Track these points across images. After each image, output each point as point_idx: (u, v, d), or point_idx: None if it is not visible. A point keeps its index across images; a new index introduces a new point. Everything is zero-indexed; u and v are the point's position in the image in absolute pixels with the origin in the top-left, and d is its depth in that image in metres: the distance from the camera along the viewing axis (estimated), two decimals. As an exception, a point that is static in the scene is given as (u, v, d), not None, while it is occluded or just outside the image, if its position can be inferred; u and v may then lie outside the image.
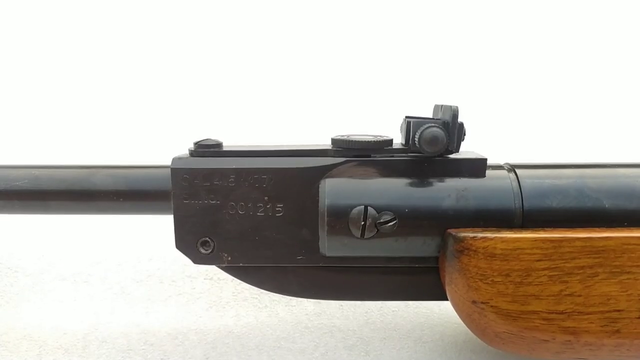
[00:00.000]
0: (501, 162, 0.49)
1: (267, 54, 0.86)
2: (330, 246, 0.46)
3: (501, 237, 0.43)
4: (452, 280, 0.44)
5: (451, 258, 0.44)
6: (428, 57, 0.86)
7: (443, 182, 0.46)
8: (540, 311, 0.42)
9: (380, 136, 0.48)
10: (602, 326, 0.42)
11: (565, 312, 0.42)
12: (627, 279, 0.42)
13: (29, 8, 0.84)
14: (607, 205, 0.44)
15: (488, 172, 0.47)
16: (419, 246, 0.46)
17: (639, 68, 0.87)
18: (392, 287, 0.50)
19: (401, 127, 0.50)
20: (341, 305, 0.64)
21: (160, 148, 0.56)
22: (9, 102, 0.85)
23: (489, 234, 0.43)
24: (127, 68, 0.85)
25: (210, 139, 0.48)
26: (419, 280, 0.49)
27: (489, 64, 0.86)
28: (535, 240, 0.42)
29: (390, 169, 0.47)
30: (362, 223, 0.44)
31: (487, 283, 0.43)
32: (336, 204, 0.45)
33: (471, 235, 0.43)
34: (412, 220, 0.45)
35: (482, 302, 0.43)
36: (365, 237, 0.45)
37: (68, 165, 0.51)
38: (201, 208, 0.47)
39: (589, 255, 0.42)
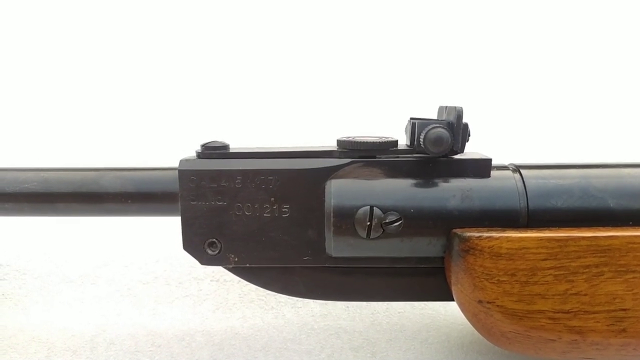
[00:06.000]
0: (506, 163, 0.49)
1: (272, 57, 0.86)
2: (336, 247, 0.46)
3: (507, 237, 0.43)
4: (458, 280, 0.45)
5: (457, 258, 0.44)
6: (432, 58, 0.86)
7: (448, 182, 0.46)
8: (546, 310, 0.42)
9: (385, 137, 0.48)
10: (608, 325, 0.42)
11: (571, 312, 0.42)
12: (633, 277, 0.42)
13: (37, 12, 0.85)
14: (612, 205, 0.44)
15: (493, 173, 0.47)
16: (425, 246, 0.46)
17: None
18: (398, 287, 0.50)
19: (406, 128, 0.51)
20: (347, 307, 0.64)
21: (167, 150, 0.56)
22: (17, 105, 0.85)
23: (494, 234, 0.43)
24: (134, 71, 0.85)
25: (217, 141, 0.49)
26: (424, 281, 0.50)
27: (493, 65, 0.86)
28: (541, 239, 0.42)
29: (395, 170, 0.47)
30: (368, 223, 0.44)
31: (493, 282, 0.43)
32: (342, 205, 0.45)
33: (476, 235, 0.43)
34: (417, 221, 0.45)
35: (488, 302, 0.43)
36: (371, 237, 0.45)
37: (76, 167, 0.51)
38: (208, 209, 0.47)
39: (594, 255, 0.42)
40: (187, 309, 0.64)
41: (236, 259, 0.48)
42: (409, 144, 0.49)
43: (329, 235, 0.46)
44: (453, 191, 0.45)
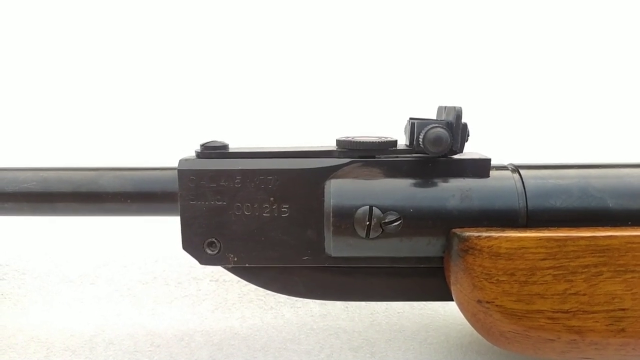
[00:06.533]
0: (505, 163, 0.49)
1: (271, 57, 0.86)
2: (335, 246, 0.46)
3: (506, 237, 0.43)
4: (457, 279, 0.45)
5: (456, 258, 0.44)
6: (432, 58, 0.86)
7: (447, 182, 0.46)
8: (545, 310, 0.43)
9: (384, 137, 0.48)
10: (607, 325, 0.42)
11: (570, 311, 0.42)
12: (632, 277, 0.42)
13: (37, 12, 0.85)
14: (610, 205, 0.44)
15: (492, 173, 0.47)
16: (424, 246, 0.46)
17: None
18: (397, 287, 0.50)
19: (405, 128, 0.51)
20: (346, 307, 0.64)
21: (166, 150, 0.56)
22: (17, 105, 0.85)
23: (493, 233, 0.43)
24: (133, 71, 0.85)
25: (216, 141, 0.49)
26: (424, 281, 0.50)
27: (492, 65, 0.86)
28: (540, 239, 0.42)
29: (394, 170, 0.47)
30: (367, 223, 0.44)
31: (492, 282, 0.43)
32: (341, 205, 0.45)
33: (476, 234, 0.43)
34: (416, 220, 0.45)
35: (487, 302, 0.43)
36: (370, 237, 0.45)
37: (76, 167, 0.51)
38: (208, 209, 0.47)
39: (593, 254, 0.42)
40: (186, 309, 0.64)
41: (235, 259, 0.48)
42: (408, 144, 0.49)
43: (328, 235, 0.46)
44: (452, 191, 0.45)
